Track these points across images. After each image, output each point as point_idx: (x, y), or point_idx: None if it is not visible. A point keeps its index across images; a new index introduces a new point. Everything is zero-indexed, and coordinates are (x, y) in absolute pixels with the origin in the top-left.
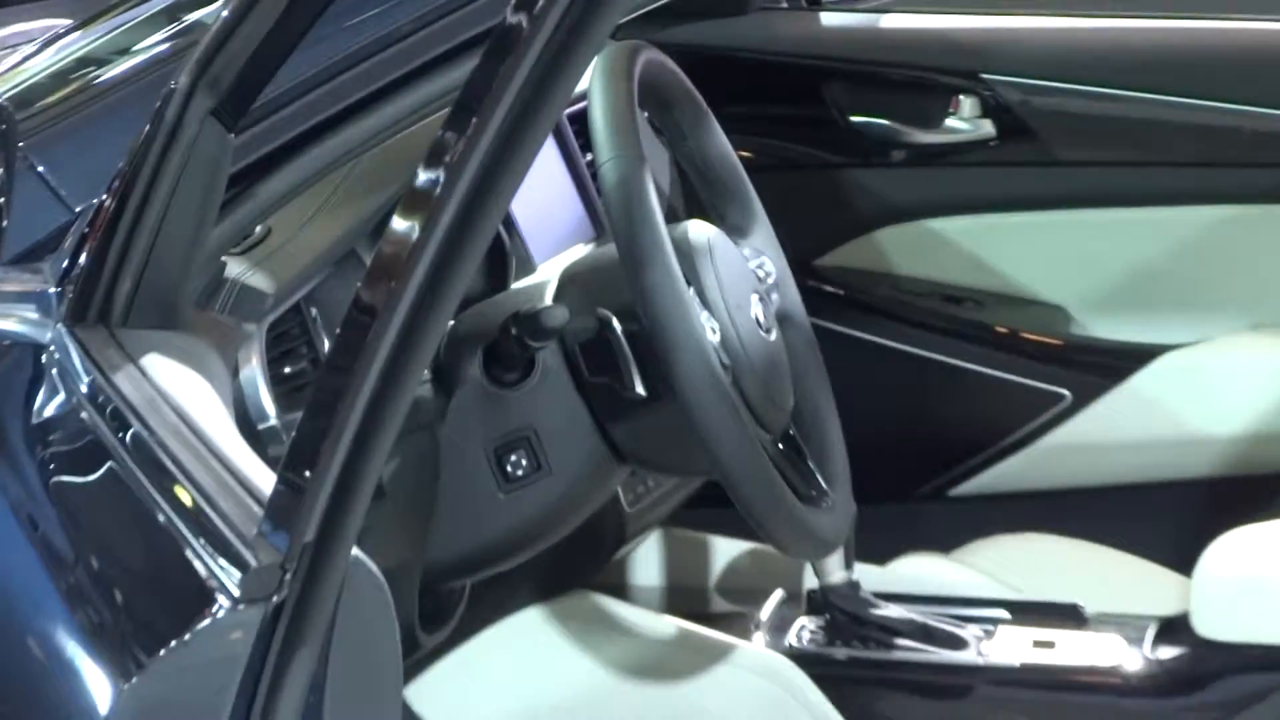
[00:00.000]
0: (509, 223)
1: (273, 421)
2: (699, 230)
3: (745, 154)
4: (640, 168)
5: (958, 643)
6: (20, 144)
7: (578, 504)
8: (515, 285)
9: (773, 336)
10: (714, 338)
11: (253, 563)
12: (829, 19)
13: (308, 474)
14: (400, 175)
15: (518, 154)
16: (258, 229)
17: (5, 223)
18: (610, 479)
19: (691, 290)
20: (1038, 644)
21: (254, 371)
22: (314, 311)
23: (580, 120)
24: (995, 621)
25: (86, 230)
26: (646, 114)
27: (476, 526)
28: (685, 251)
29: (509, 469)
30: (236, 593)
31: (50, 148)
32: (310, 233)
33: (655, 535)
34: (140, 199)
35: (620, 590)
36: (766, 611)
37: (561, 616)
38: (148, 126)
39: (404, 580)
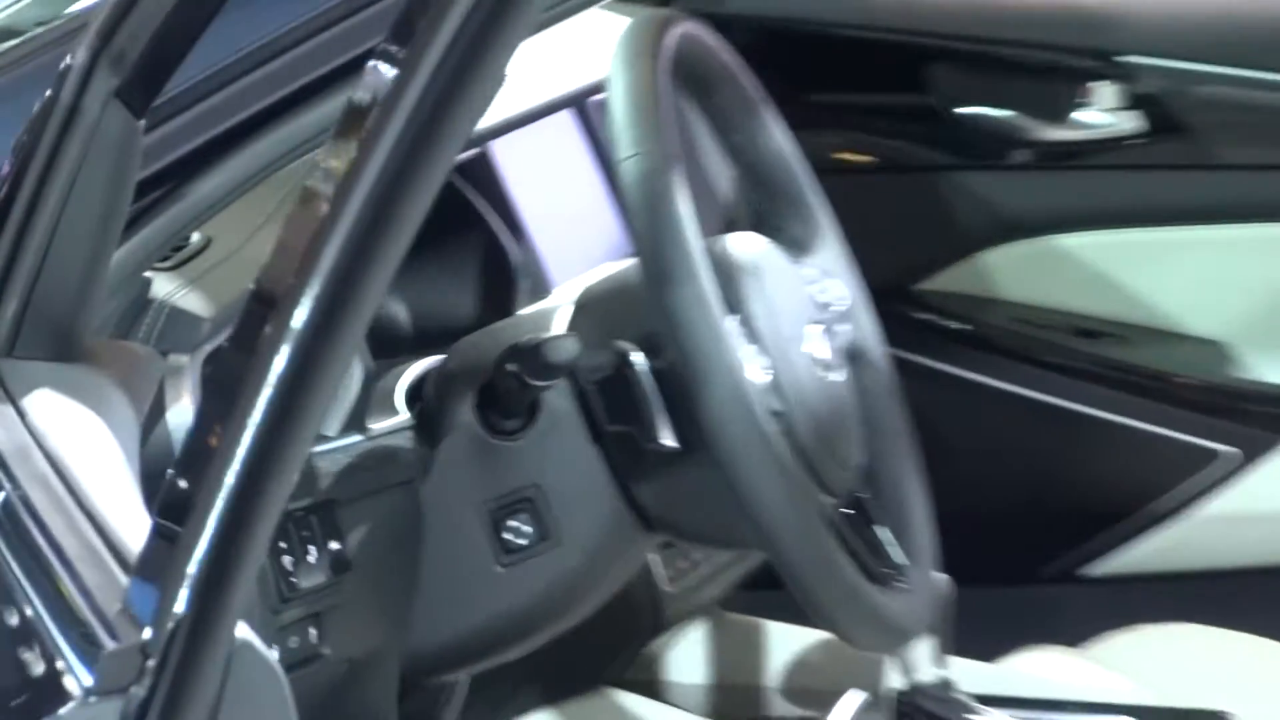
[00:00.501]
0: (520, 235)
1: None
2: (744, 245)
3: (826, 154)
4: (669, 165)
5: None
6: None
7: (594, 581)
8: (522, 312)
9: (837, 377)
10: (761, 378)
11: (108, 645)
12: None
13: (178, 534)
14: None
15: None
16: (193, 238)
17: None
18: (634, 551)
19: (734, 320)
20: None
21: (184, 414)
22: None
23: None
24: None
25: None
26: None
27: (469, 607)
28: (726, 270)
29: (508, 536)
30: (88, 682)
31: None
32: (258, 244)
33: (702, 621)
34: (29, 200)
35: (656, 688)
36: (838, 718)
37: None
38: (36, 112)
39: (377, 673)
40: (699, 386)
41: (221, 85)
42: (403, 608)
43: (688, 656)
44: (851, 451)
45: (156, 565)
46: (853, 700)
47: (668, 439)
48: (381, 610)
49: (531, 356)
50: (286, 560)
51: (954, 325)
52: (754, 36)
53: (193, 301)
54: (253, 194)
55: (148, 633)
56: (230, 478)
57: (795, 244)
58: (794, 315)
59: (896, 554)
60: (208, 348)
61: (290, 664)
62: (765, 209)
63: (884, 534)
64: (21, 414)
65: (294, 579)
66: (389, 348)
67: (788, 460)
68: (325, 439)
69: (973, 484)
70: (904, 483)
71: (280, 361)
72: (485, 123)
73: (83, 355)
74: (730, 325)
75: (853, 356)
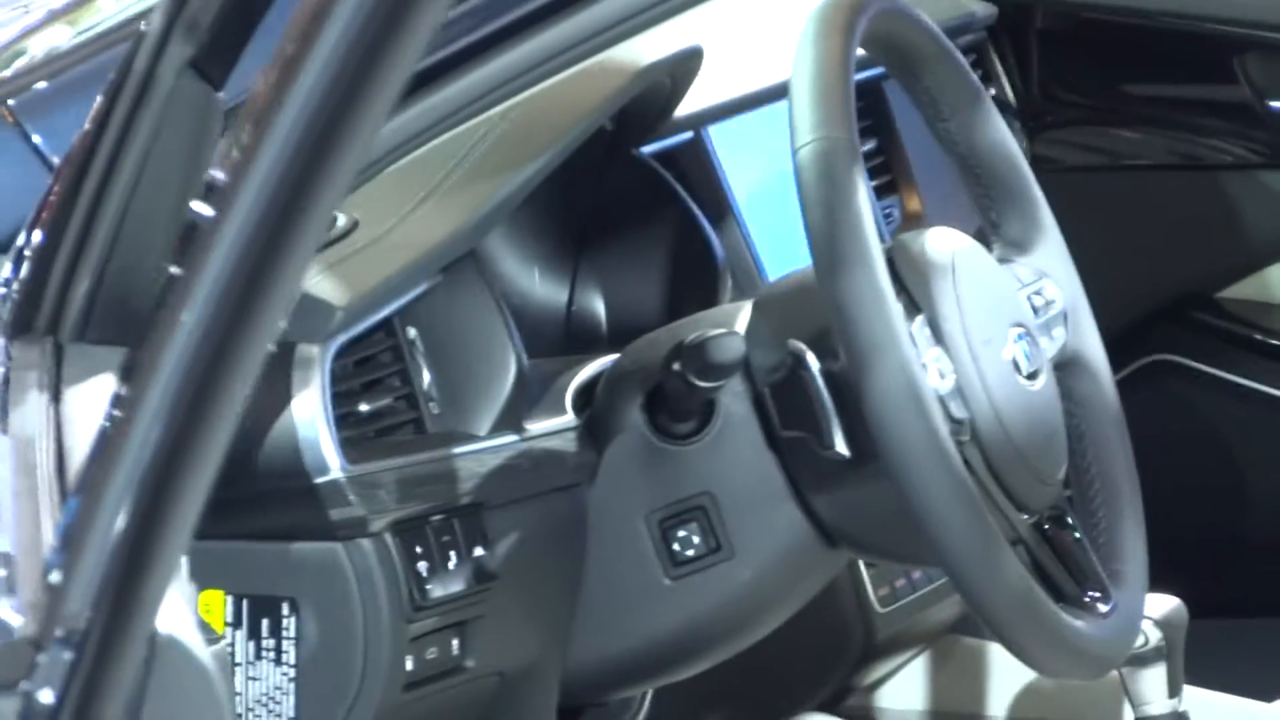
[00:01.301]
0: (732, 227)
1: (335, 474)
2: (940, 240)
3: (1131, 149)
4: (849, 152)
5: None
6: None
7: (770, 598)
8: (708, 311)
9: (1039, 384)
10: (943, 382)
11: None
12: None
13: (87, 523)
14: (553, 143)
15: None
16: (339, 220)
17: None
18: (817, 566)
19: (920, 319)
20: None
21: (311, 408)
22: (412, 332)
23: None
24: None
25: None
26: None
27: (635, 622)
28: (916, 268)
29: (678, 547)
30: None
31: (43, 109)
32: (413, 226)
33: (921, 645)
34: (102, 174)
35: (870, 717)
36: None
37: None
38: (111, 81)
39: (534, 689)
40: (866, 386)
41: None
42: (562, 620)
43: (905, 684)
44: (1054, 465)
45: (64, 556)
46: None
47: (841, 446)
48: (535, 621)
49: (696, 355)
50: (422, 566)
51: (1258, 337)
52: (1059, 23)
53: (327, 288)
54: (407, 170)
55: (48, 625)
56: (138, 465)
57: (1013, 243)
58: (994, 318)
59: (1100, 576)
60: (343, 337)
61: (428, 676)
62: (982, 202)
63: (1087, 554)
64: (58, 401)
65: (429, 586)
66: (582, 344)
67: (962, 472)
68: (473, 438)
69: (1271, 507)
70: (1120, 501)
71: (189, 344)
72: (703, 104)
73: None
74: (916, 327)
75: (1068, 363)
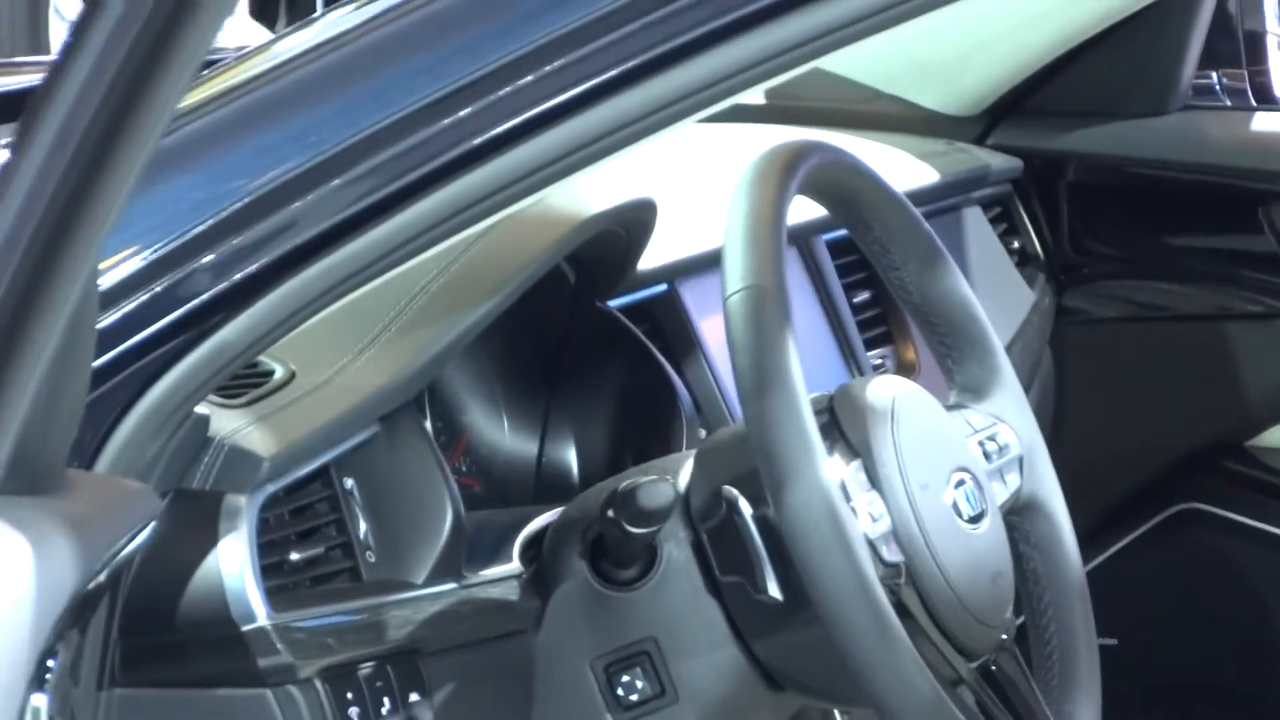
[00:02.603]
0: (709, 375)
1: (261, 622)
2: (881, 387)
3: (1146, 300)
4: (776, 300)
5: None
6: None
7: None
8: (655, 461)
9: (982, 528)
10: (875, 526)
11: None
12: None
13: None
14: (496, 291)
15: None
16: (276, 372)
17: None
18: (760, 708)
19: (856, 463)
20: None
21: (238, 557)
22: (349, 482)
23: (839, 248)
24: None
25: None
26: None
27: None
28: (856, 414)
29: (622, 692)
30: None
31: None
32: (351, 375)
33: None
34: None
35: None
36: None
37: None
38: None
39: None
40: (790, 529)
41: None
42: None
43: None
44: (998, 608)
45: None
46: None
47: (775, 591)
48: None
49: (628, 502)
50: (354, 712)
51: None
52: (1089, 176)
53: (256, 439)
54: (346, 317)
55: None
56: None
57: (968, 389)
58: (933, 462)
59: (1048, 718)
60: (270, 488)
61: None
62: (938, 351)
63: (1036, 695)
64: None
65: None
66: (553, 494)
67: (889, 614)
68: (410, 586)
69: None
70: (1073, 644)
71: None
72: (675, 256)
73: (56, 488)
74: (851, 472)
75: (1023, 508)
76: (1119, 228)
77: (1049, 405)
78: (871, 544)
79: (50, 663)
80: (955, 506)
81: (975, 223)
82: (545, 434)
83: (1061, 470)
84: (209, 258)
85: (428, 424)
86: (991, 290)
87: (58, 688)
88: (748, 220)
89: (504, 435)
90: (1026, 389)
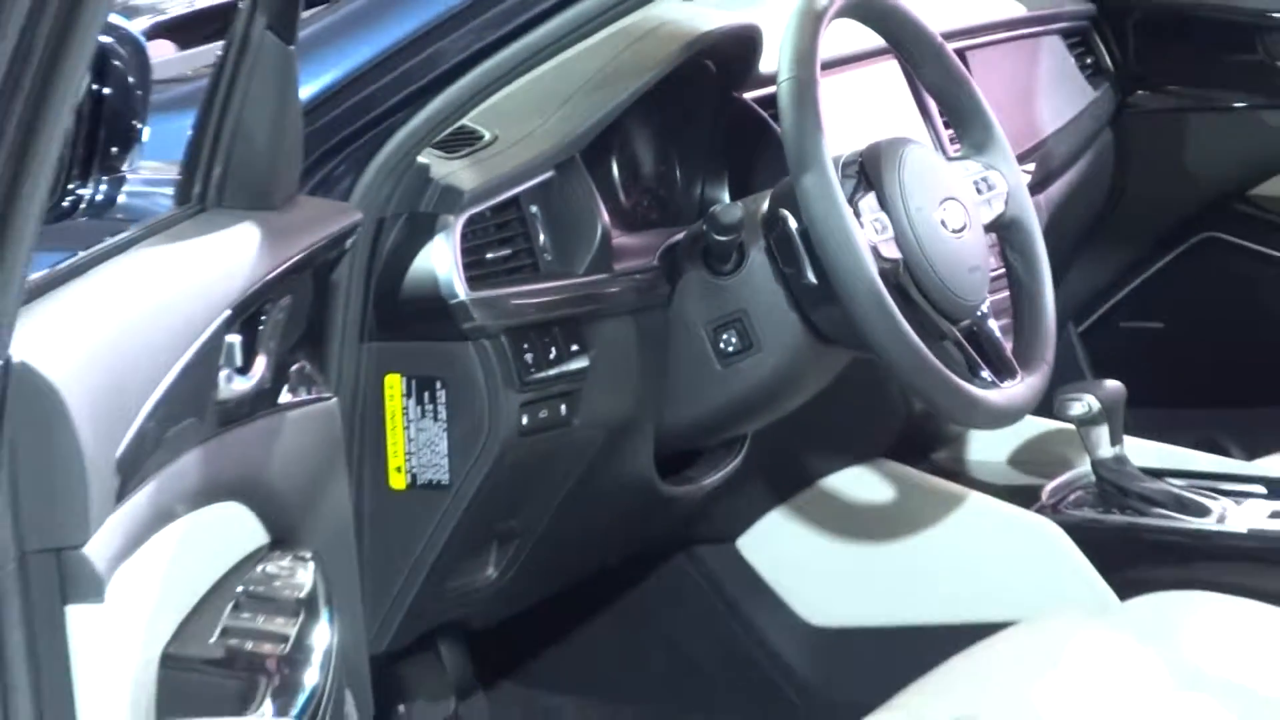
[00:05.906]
0: None
1: (461, 298)
2: (895, 142)
3: (1198, 99)
4: (811, 87)
5: (1203, 511)
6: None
7: (791, 378)
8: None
9: (964, 237)
10: (881, 234)
11: None
12: None
13: None
14: (646, 74)
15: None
16: (485, 135)
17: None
18: (820, 358)
19: (872, 194)
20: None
21: (446, 255)
22: (533, 209)
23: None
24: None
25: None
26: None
27: (699, 396)
28: (876, 161)
29: (724, 346)
30: None
31: None
32: (535, 138)
33: None
34: (222, 103)
35: (925, 458)
36: (1052, 484)
37: (864, 481)
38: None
39: (633, 438)
40: (818, 240)
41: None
42: (651, 391)
43: (944, 436)
44: (974, 290)
45: None
46: (1066, 473)
47: (812, 278)
48: (627, 395)
49: (712, 219)
50: (528, 357)
51: None
52: (1149, 14)
53: (462, 178)
54: (538, 99)
55: None
56: None
57: (975, 146)
58: (928, 191)
59: (1011, 363)
60: (471, 210)
61: (540, 427)
62: (952, 119)
63: (1002, 350)
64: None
65: (532, 370)
66: (695, 218)
67: (883, 293)
68: (572, 275)
69: None
70: (1038, 316)
71: None
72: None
73: (280, 205)
74: (869, 199)
75: (1007, 225)
76: (1169, 51)
77: (1108, 167)
78: (875, 247)
79: (261, 318)
80: (943, 221)
81: (1052, 47)
82: (704, 181)
83: (1121, 210)
84: (414, 61)
85: (615, 170)
86: (1057, 88)
87: (268, 339)
88: (796, 29)
89: (676, 180)
90: (1080, 154)
